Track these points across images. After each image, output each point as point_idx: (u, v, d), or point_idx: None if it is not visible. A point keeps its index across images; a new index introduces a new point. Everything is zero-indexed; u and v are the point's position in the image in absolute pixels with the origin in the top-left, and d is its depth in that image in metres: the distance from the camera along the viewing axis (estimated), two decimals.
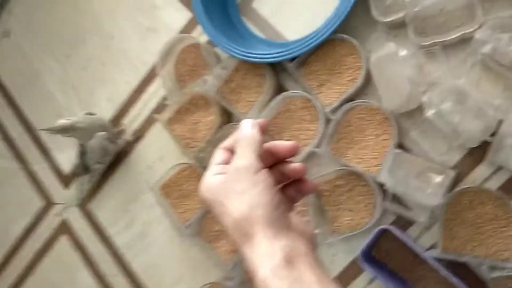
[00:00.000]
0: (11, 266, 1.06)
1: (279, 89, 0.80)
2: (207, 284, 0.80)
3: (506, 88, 0.63)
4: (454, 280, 0.61)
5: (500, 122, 0.62)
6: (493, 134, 0.62)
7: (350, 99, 0.73)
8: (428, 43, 0.66)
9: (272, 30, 0.83)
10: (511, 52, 0.58)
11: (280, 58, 0.74)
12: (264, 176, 0.40)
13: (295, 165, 0.44)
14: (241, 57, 0.77)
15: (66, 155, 1.00)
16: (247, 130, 0.43)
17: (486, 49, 0.59)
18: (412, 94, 0.64)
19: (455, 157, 0.67)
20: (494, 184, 0.66)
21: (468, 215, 0.65)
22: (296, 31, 0.80)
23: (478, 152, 0.65)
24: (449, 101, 0.62)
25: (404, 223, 0.70)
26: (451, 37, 0.65)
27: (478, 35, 0.60)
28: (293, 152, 0.43)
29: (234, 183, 0.40)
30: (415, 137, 0.69)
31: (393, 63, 0.65)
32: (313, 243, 0.42)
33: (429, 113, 0.62)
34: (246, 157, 0.41)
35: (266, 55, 0.75)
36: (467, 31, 0.63)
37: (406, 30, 0.67)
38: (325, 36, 0.70)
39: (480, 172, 0.66)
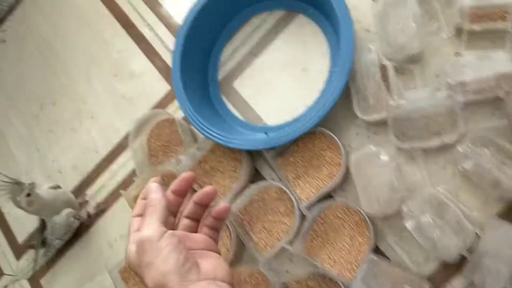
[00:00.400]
0: None
1: (255, 175, 0.77)
2: None
3: (485, 203, 0.62)
4: None
5: (478, 237, 0.60)
6: (470, 249, 0.60)
7: (327, 195, 0.70)
8: (407, 146, 0.65)
9: (252, 112, 0.81)
10: (492, 169, 0.57)
11: (258, 147, 0.71)
12: (166, 241, 0.44)
13: (219, 207, 0.52)
14: (217, 140, 0.73)
15: (21, 223, 0.93)
16: (152, 196, 0.49)
17: (468, 164, 0.58)
18: (391, 200, 0.62)
19: (431, 267, 0.65)
20: None
21: None
22: (276, 115, 0.79)
23: (455, 265, 0.63)
24: (428, 212, 0.60)
25: None
26: (431, 144, 0.64)
27: (460, 149, 0.59)
28: (211, 196, 0.52)
29: (142, 255, 0.45)
30: (392, 244, 0.66)
31: (373, 166, 0.63)
32: (227, 282, 0.46)
33: (408, 224, 0.59)
34: (149, 227, 0.46)
35: (244, 142, 0.72)
36: (447, 140, 0.62)
37: (387, 130, 0.66)
38: (305, 129, 0.68)
39: (455, 286, 0.63)
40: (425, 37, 0.67)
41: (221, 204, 0.53)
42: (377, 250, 0.67)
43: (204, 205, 0.52)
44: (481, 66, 0.60)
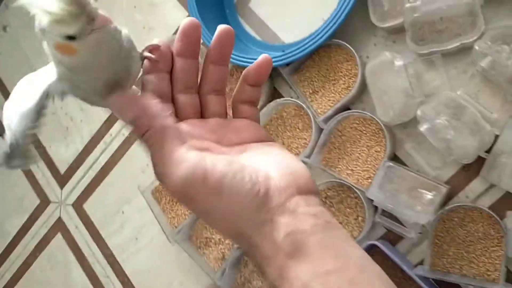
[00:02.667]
0: (9, 261, 1.07)
1: (274, 94, 0.78)
2: None
3: (506, 102, 0.61)
4: None
5: (496, 138, 0.59)
6: (489, 150, 0.59)
7: (344, 107, 0.70)
8: (426, 51, 0.64)
9: (269, 32, 0.81)
10: (511, 66, 0.55)
11: (273, 64, 0.72)
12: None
13: (257, 61, 0.33)
14: (234, 61, 0.74)
15: (63, 155, 0.99)
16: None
17: (485, 62, 0.56)
18: (406, 106, 0.62)
19: (449, 171, 0.65)
20: (487, 201, 0.63)
21: (458, 232, 0.62)
22: (293, 33, 0.78)
23: (473, 167, 0.63)
24: (444, 115, 0.59)
25: (394, 237, 0.68)
26: (451, 46, 0.62)
27: (477, 47, 0.57)
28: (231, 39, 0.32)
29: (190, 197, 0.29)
30: (409, 150, 0.66)
31: (388, 73, 0.62)
32: (312, 188, 0.30)
33: (423, 127, 0.59)
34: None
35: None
36: (467, 41, 0.60)
37: (405, 37, 0.65)
38: (320, 41, 0.68)
39: (473, 188, 0.64)
40: None
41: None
42: (396, 159, 0.68)
43: (224, 62, 0.33)
44: None
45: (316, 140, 0.70)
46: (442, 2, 0.61)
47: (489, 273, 0.61)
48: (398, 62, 0.61)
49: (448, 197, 0.65)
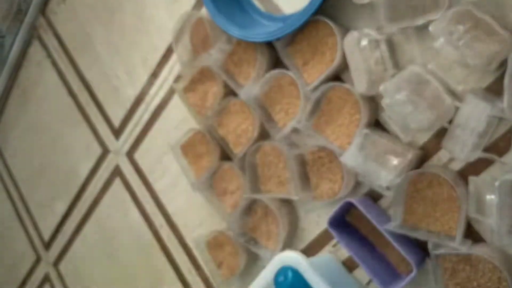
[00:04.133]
0: (80, 201, 1.32)
1: (277, 63, 0.85)
2: (214, 231, 0.95)
3: (470, 77, 0.64)
4: (403, 252, 0.68)
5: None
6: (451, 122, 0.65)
7: (334, 77, 0.77)
8: (400, 26, 0.68)
9: (271, 3, 0.87)
10: (461, 48, 0.59)
11: (266, 39, 0.79)
12: None
13: None
14: (236, 36, 0.83)
15: (117, 112, 1.17)
16: None
17: (438, 43, 0.60)
18: (370, 81, 0.67)
19: (424, 137, 0.71)
20: (458, 165, 0.69)
21: (427, 193, 0.69)
22: (295, 4, 0.84)
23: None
24: (405, 90, 0.64)
25: (377, 194, 0.77)
26: (419, 23, 0.65)
27: (431, 28, 0.61)
28: None
29: None
30: (386, 118, 0.73)
31: (357, 50, 0.68)
32: None
33: (384, 102, 0.65)
34: None
35: (252, 35, 0.81)
36: (431, 18, 0.64)
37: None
38: (303, 19, 0.74)
39: (446, 153, 0.69)
40: None
41: None
42: (377, 125, 0.75)
43: None
44: None
45: (305, 107, 0.79)
46: None
47: (451, 230, 0.68)
48: (363, 42, 0.66)
49: (423, 160, 0.72)
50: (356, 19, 0.75)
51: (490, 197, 0.60)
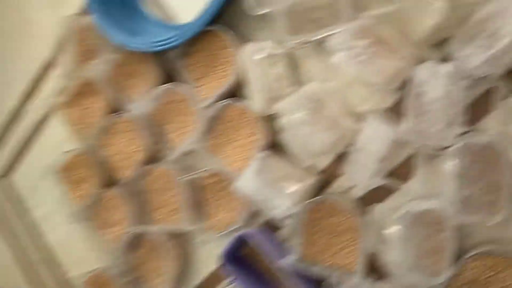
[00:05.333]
0: None
1: (172, 77, 0.76)
2: (95, 270, 0.81)
3: (372, 93, 0.59)
4: None
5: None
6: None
7: (232, 93, 0.70)
8: (301, 40, 0.62)
9: (167, 9, 0.78)
10: (362, 63, 0.54)
11: (151, 49, 0.70)
12: None
13: None
14: (121, 43, 0.73)
15: None
16: None
17: (337, 57, 0.55)
18: (269, 99, 0.61)
19: (325, 161, 0.65)
20: (359, 192, 0.63)
21: (327, 223, 0.63)
22: (192, 11, 0.75)
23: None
24: (304, 109, 0.58)
25: (277, 224, 0.69)
26: (320, 36, 0.60)
27: (331, 41, 0.55)
28: None
29: None
30: (286, 140, 0.66)
31: (252, 66, 0.61)
32: None
33: (280, 123, 0.58)
34: None
35: (140, 44, 0.71)
36: (333, 32, 0.58)
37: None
38: (197, 28, 0.66)
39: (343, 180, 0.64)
40: None
41: None
42: (275, 147, 0.68)
43: None
44: None
45: (201, 126, 0.70)
46: None
47: (351, 264, 0.62)
48: (259, 56, 0.59)
49: (324, 186, 0.65)
50: (256, 30, 0.68)
51: (392, 229, 0.55)
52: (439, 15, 0.48)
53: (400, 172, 0.59)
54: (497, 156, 0.51)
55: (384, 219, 0.58)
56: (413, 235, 0.55)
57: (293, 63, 0.65)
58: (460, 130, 0.52)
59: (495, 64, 0.48)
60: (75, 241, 0.90)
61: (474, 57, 0.48)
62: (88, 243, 0.86)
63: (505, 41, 0.46)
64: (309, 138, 0.57)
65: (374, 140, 0.55)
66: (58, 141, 0.91)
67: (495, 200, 0.51)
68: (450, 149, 0.52)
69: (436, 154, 0.54)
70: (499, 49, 0.47)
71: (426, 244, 0.55)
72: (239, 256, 0.70)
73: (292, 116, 0.58)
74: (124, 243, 0.77)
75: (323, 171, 0.65)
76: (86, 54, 0.83)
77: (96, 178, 0.80)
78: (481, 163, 0.52)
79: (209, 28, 0.67)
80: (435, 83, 0.50)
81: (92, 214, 0.82)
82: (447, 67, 0.49)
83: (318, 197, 0.62)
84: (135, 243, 0.78)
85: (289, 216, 0.63)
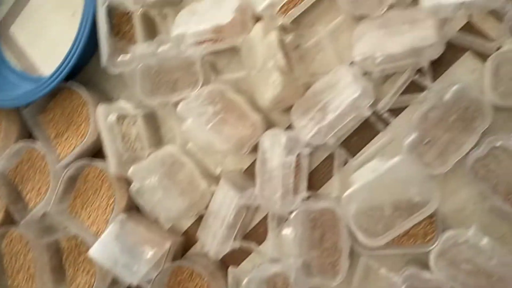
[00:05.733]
0: None
1: (29, 133, 0.72)
2: None
3: (227, 156, 0.60)
4: None
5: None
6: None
7: (92, 152, 0.67)
8: (159, 101, 0.61)
9: (28, 61, 0.75)
10: (209, 131, 0.54)
11: (7, 104, 0.67)
12: None
13: None
14: None
15: None
16: None
17: (186, 125, 0.55)
18: (123, 162, 0.59)
19: (186, 223, 0.64)
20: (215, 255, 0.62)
21: (187, 286, 0.62)
22: (53, 64, 0.73)
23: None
24: (157, 173, 0.57)
25: None
26: (177, 98, 0.60)
27: (179, 107, 0.56)
28: None
29: None
30: (145, 204, 0.64)
31: (105, 127, 0.59)
32: None
33: (133, 188, 0.57)
34: None
35: (2, 99, 0.67)
36: (187, 95, 0.59)
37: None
38: (51, 85, 0.64)
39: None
40: None
41: None
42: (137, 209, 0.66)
43: None
44: (207, 15, 0.55)
45: (57, 186, 0.66)
46: (152, 57, 0.58)
47: None
48: (111, 117, 0.58)
49: (186, 248, 0.65)
50: (117, 89, 0.67)
51: None
52: (277, 87, 0.50)
53: (258, 232, 0.60)
54: (335, 219, 0.53)
55: (240, 281, 0.58)
56: None
57: (153, 123, 0.64)
58: (302, 195, 0.54)
59: (326, 135, 0.51)
60: None
61: (307, 128, 0.51)
62: None
63: (331, 116, 0.49)
64: (162, 204, 0.56)
65: (223, 205, 0.55)
66: None
67: (335, 261, 0.53)
68: (291, 215, 0.53)
69: (285, 216, 0.56)
70: (327, 123, 0.49)
71: None
72: None
73: (146, 181, 0.56)
74: None
75: (185, 232, 0.64)
76: None
77: None
78: (321, 227, 0.54)
79: (66, 84, 0.65)
80: (275, 152, 0.52)
81: None
82: (283, 138, 0.51)
83: (175, 262, 0.61)
84: None
85: (149, 282, 0.61)
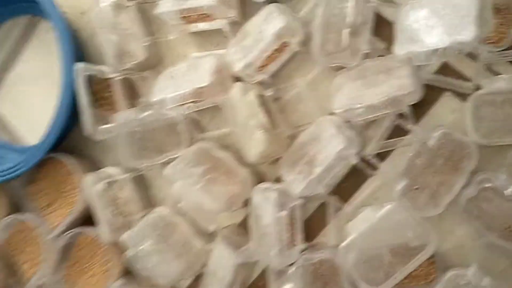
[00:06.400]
0: None
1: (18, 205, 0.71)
2: None
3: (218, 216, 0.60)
4: None
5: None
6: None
7: (83, 220, 0.66)
8: (147, 164, 0.61)
9: (12, 131, 0.74)
10: (198, 191, 0.54)
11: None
12: None
13: None
14: None
15: None
16: None
17: (174, 188, 0.55)
18: (116, 229, 0.59)
19: (186, 282, 0.63)
20: None
21: None
22: (38, 133, 0.72)
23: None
24: (150, 238, 0.57)
25: None
26: (164, 160, 0.60)
27: (165, 171, 0.55)
28: None
29: None
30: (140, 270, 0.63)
31: (92, 196, 0.59)
32: None
33: (128, 255, 0.57)
34: None
35: None
36: (173, 156, 0.59)
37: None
38: (37, 157, 0.63)
39: None
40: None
41: None
42: None
43: None
44: (185, 79, 0.55)
45: (52, 257, 0.65)
46: (133, 123, 0.59)
47: None
48: (99, 186, 0.58)
49: None
50: (103, 155, 0.67)
51: None
52: (261, 144, 0.50)
53: (258, 286, 0.60)
54: (335, 269, 0.53)
55: None
56: None
57: (142, 185, 0.64)
58: (299, 248, 0.54)
59: (316, 186, 0.51)
60: None
61: (297, 182, 0.51)
62: None
63: (319, 170, 0.49)
64: (160, 267, 0.56)
65: (221, 265, 0.55)
66: None
67: None
68: (290, 268, 0.53)
69: (284, 269, 0.55)
70: (315, 176, 0.49)
71: None
72: None
73: (139, 247, 0.56)
74: None
75: None
76: None
77: None
78: (322, 277, 0.53)
79: (52, 155, 0.65)
80: (266, 208, 0.51)
81: None
82: (274, 194, 0.51)
83: None
84: None
85: None
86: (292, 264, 0.54)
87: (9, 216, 0.68)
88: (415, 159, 0.46)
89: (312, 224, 0.57)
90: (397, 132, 0.52)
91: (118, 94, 0.61)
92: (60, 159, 0.65)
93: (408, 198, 0.47)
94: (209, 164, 0.56)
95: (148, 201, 0.64)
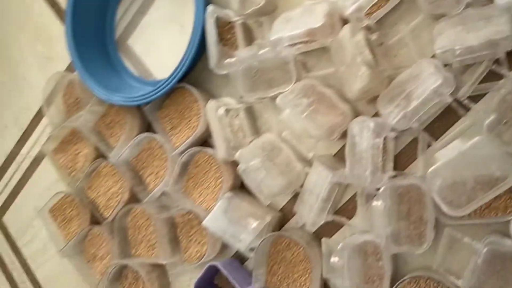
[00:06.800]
0: None
1: (149, 126, 0.85)
2: None
3: (318, 143, 0.69)
4: None
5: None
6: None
7: (202, 141, 0.79)
8: (258, 97, 0.71)
9: (144, 68, 0.88)
10: (304, 119, 0.63)
11: (128, 103, 0.80)
12: None
13: None
14: (102, 99, 0.83)
15: None
16: None
17: (284, 114, 0.64)
18: (231, 148, 0.70)
19: (283, 200, 0.74)
20: (312, 227, 0.72)
21: (286, 254, 0.72)
22: (165, 70, 0.85)
23: None
24: (259, 157, 0.67)
25: (244, 256, 0.78)
26: (272, 94, 0.70)
27: (278, 100, 0.65)
28: None
29: None
30: (246, 183, 0.75)
31: (214, 119, 0.70)
32: None
33: (240, 169, 0.68)
34: None
35: (121, 99, 0.81)
36: (282, 90, 0.68)
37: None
38: (168, 86, 0.76)
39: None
40: None
41: None
42: (241, 188, 0.77)
43: None
44: (300, 21, 0.64)
45: (172, 170, 0.79)
46: (253, 59, 0.68)
47: None
48: (220, 111, 0.69)
49: (283, 222, 0.74)
50: (220, 87, 0.78)
51: (335, 259, 0.63)
52: (364, 79, 0.58)
53: (347, 209, 0.69)
54: (421, 195, 0.60)
55: (333, 250, 0.66)
56: (354, 264, 0.63)
57: (252, 116, 0.74)
58: (389, 174, 0.61)
59: (410, 120, 0.58)
60: (64, 275, 0.97)
61: (393, 114, 0.58)
62: (77, 277, 0.94)
63: (415, 103, 0.56)
64: (265, 182, 0.66)
65: (318, 183, 0.64)
66: (47, 184, 0.99)
67: (421, 232, 0.60)
68: (378, 191, 0.61)
69: (373, 194, 0.64)
70: (411, 109, 0.56)
71: (367, 271, 0.64)
72: (212, 285, 0.78)
73: (249, 163, 0.67)
74: (110, 275, 0.84)
75: (282, 209, 0.74)
76: (74, 106, 0.92)
77: (83, 218, 0.88)
78: (408, 201, 0.61)
79: (180, 85, 0.77)
80: (363, 136, 0.60)
81: (81, 250, 0.90)
82: (372, 123, 0.59)
83: (275, 232, 0.71)
84: (120, 274, 0.86)
85: (253, 249, 0.72)
86: (380, 188, 0.62)
87: (141, 135, 0.82)
88: (506, 96, 0.52)
89: (402, 158, 0.64)
90: (491, 78, 0.57)
91: (239, 36, 0.72)
92: (187, 89, 0.77)
93: (495, 132, 0.53)
94: (315, 97, 0.65)
95: (256, 131, 0.75)
